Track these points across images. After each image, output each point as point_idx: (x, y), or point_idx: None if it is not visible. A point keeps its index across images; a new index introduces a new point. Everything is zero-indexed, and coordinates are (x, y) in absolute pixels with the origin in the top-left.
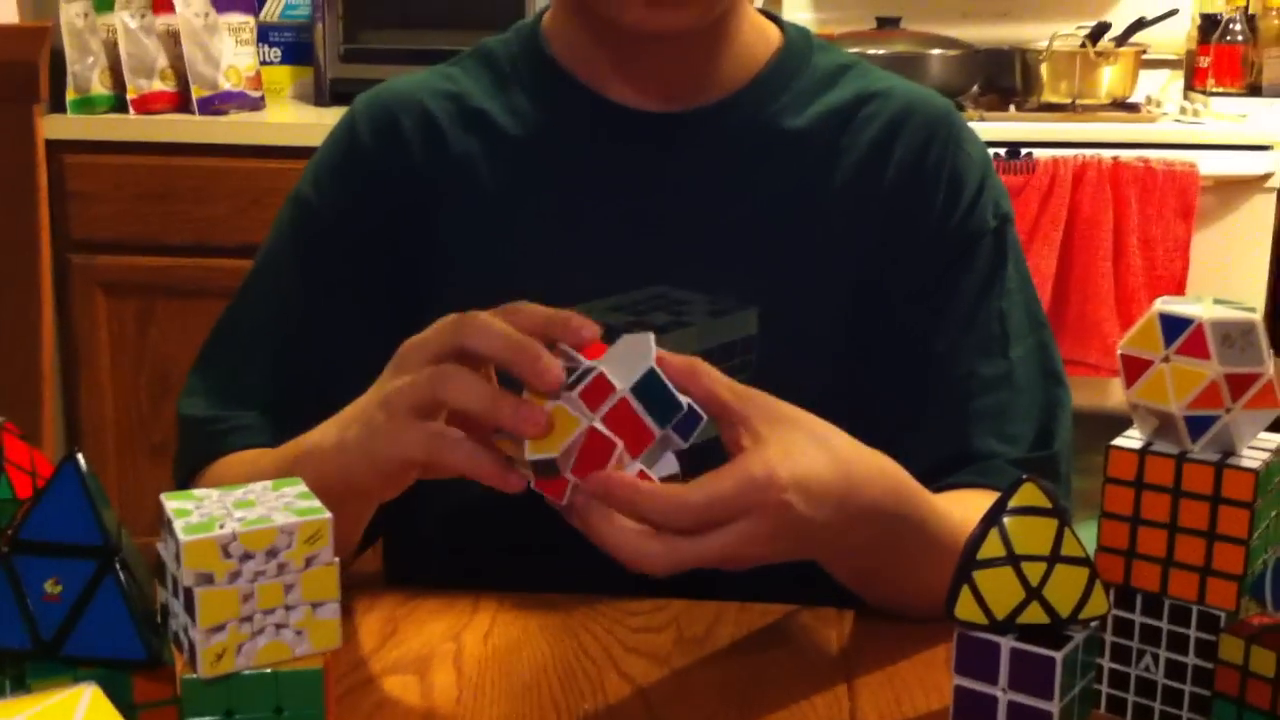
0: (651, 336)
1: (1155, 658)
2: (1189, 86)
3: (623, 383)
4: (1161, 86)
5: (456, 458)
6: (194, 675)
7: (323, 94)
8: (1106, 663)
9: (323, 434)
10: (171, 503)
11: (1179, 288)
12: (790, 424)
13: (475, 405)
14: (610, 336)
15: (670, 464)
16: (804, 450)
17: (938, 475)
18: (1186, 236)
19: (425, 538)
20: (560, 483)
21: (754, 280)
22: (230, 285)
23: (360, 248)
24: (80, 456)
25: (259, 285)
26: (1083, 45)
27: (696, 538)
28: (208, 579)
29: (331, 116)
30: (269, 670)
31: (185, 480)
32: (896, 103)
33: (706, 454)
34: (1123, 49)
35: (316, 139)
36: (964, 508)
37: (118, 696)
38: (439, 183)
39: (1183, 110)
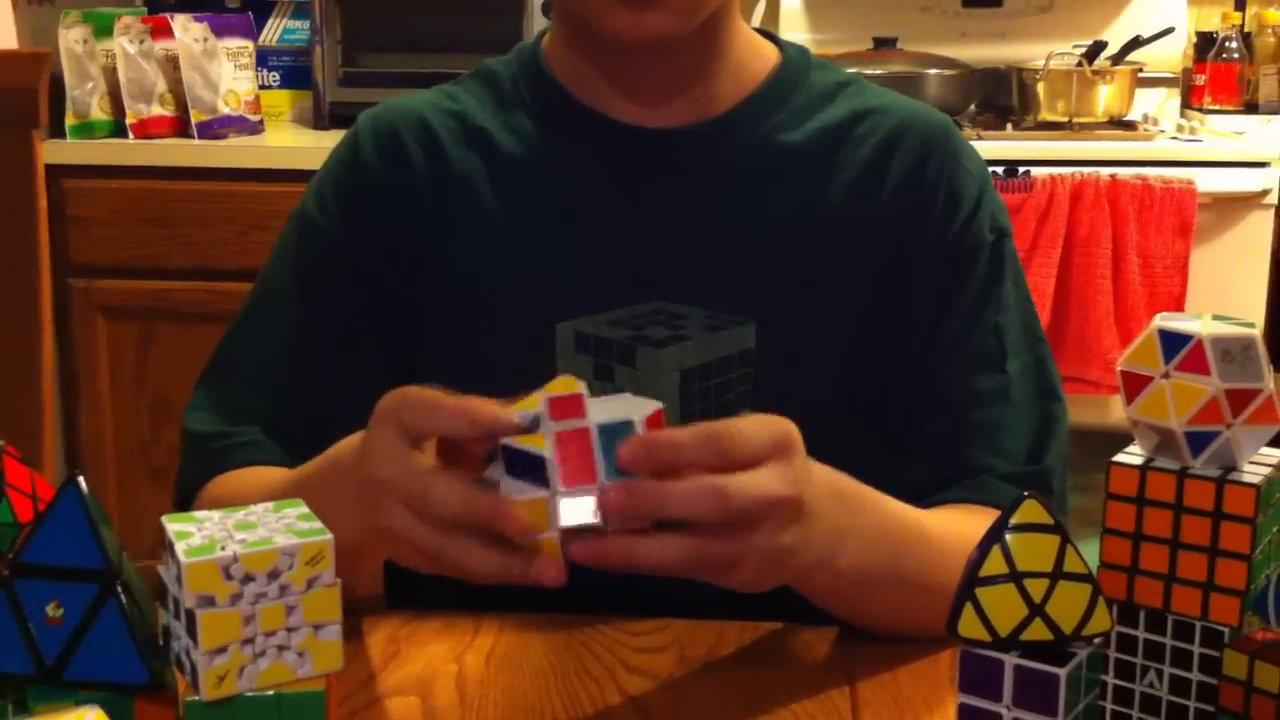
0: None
1: (1159, 674)
2: (1186, 104)
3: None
4: (1158, 104)
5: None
6: (196, 698)
7: (322, 117)
8: (1110, 679)
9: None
10: (173, 525)
11: (1178, 304)
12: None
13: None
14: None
15: None
16: None
17: (932, 488)
18: (1185, 253)
19: None
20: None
21: (752, 294)
22: (231, 309)
23: (362, 264)
24: (81, 480)
25: (263, 301)
26: (1079, 64)
27: (734, 476)
28: (209, 601)
29: (330, 139)
30: (271, 692)
31: (187, 495)
32: (894, 118)
33: None
34: (1119, 68)
35: (316, 162)
36: (937, 518)
37: (120, 719)
38: (440, 199)
39: (1180, 128)
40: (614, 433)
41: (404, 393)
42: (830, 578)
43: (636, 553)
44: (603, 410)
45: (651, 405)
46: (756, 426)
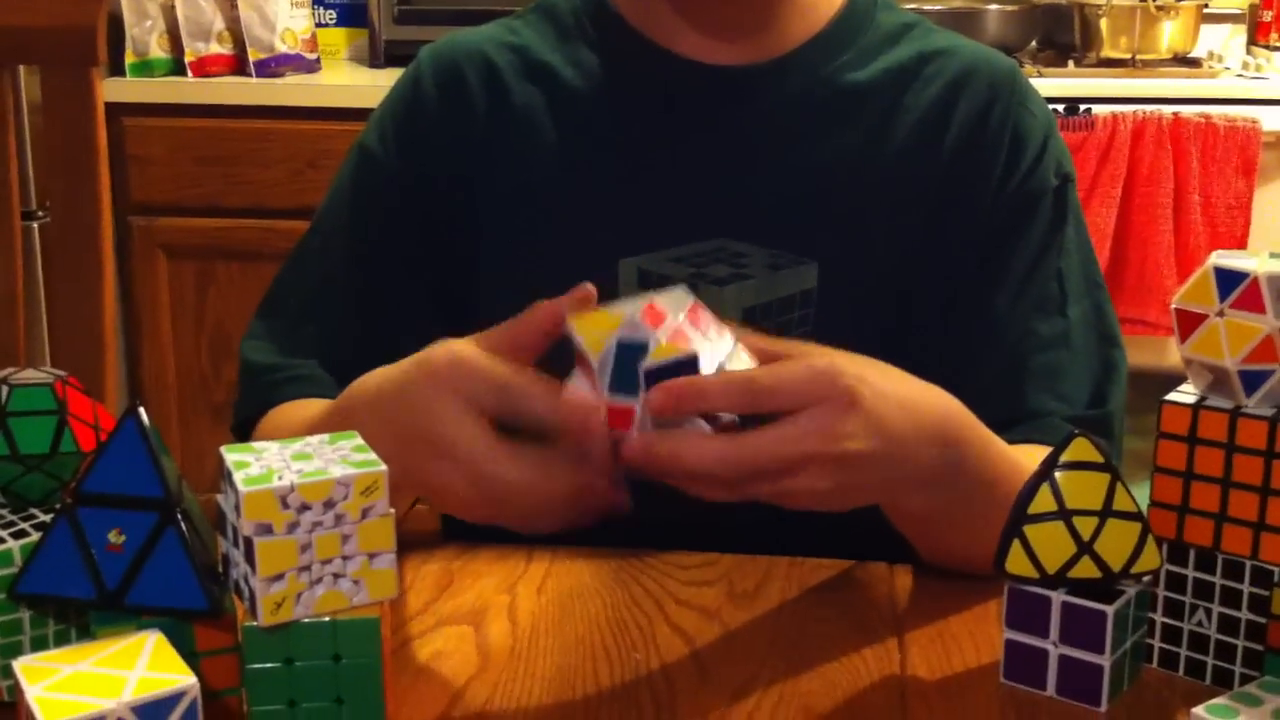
0: (683, 286)
1: (1208, 612)
2: (1251, 41)
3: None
4: (1223, 41)
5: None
6: (254, 623)
7: (377, 56)
8: (1159, 617)
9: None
10: (231, 455)
11: (1240, 245)
12: (833, 349)
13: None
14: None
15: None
16: (858, 359)
17: (992, 431)
18: (1248, 193)
19: None
20: (628, 410)
21: (814, 234)
22: (287, 247)
23: (417, 199)
24: (141, 410)
25: (321, 233)
26: (1143, 0)
27: (763, 429)
28: (267, 529)
29: (386, 78)
30: (327, 619)
31: (242, 423)
32: (960, 62)
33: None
34: (1184, 3)
35: (372, 101)
36: (1023, 454)
37: (180, 644)
38: (501, 134)
39: (1245, 65)
40: (633, 351)
41: (465, 364)
42: (921, 509)
43: (678, 453)
44: (633, 310)
45: (685, 305)
46: (797, 380)
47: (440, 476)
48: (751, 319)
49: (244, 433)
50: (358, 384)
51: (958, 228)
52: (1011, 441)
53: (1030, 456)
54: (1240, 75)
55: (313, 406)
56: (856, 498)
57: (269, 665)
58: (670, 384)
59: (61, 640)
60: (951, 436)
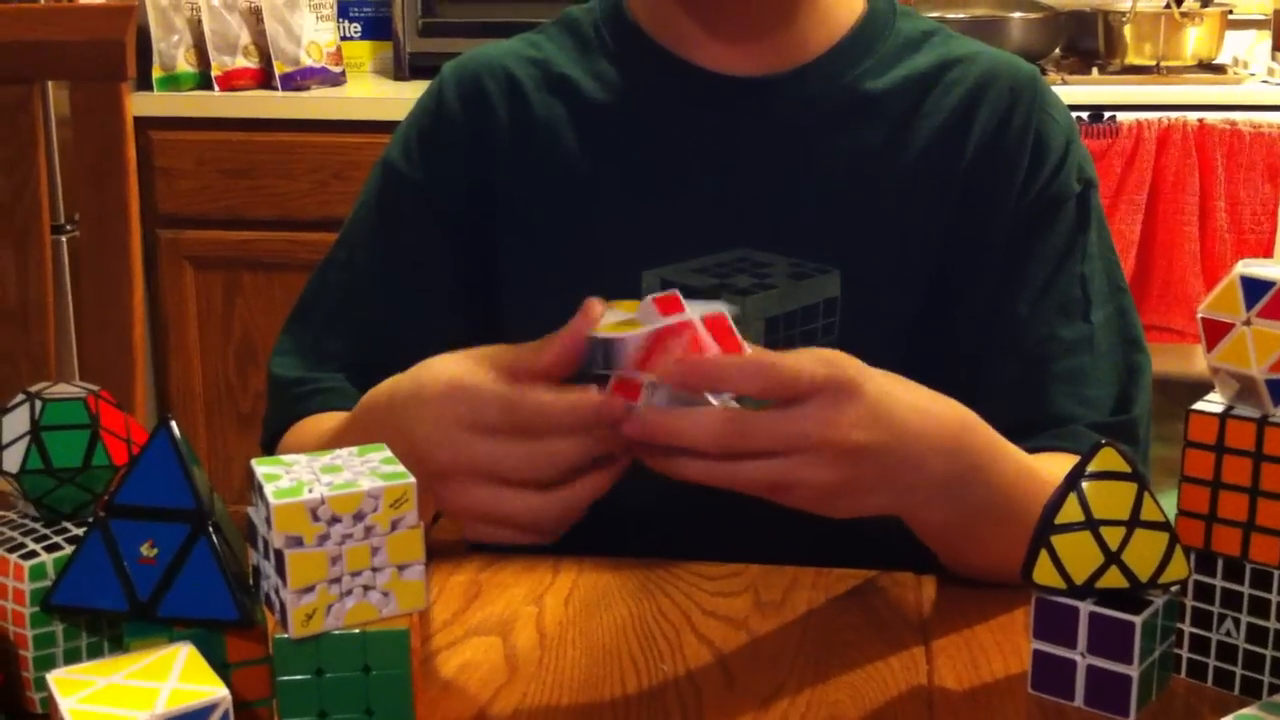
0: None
1: (1236, 622)
2: (1276, 47)
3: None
4: (1248, 47)
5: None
6: (285, 635)
7: (402, 68)
8: (1187, 627)
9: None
10: (261, 467)
11: (1267, 252)
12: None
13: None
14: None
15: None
16: (876, 369)
17: (1016, 438)
18: (1275, 199)
19: None
20: (634, 384)
21: (836, 243)
22: (313, 258)
23: (443, 212)
24: (173, 423)
25: (347, 247)
26: (1167, 6)
27: (770, 413)
28: (297, 541)
29: (411, 90)
30: (357, 630)
31: (271, 439)
32: (980, 68)
33: None
34: (1208, 9)
35: (397, 113)
36: (1043, 465)
37: (212, 655)
38: (524, 148)
39: (1270, 71)
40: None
41: (461, 387)
42: (938, 521)
43: (677, 425)
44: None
45: (715, 308)
46: (809, 367)
47: (450, 500)
48: (775, 328)
49: (272, 448)
50: (369, 396)
51: (979, 234)
52: (1036, 448)
53: (1053, 465)
54: (1266, 81)
55: (331, 420)
56: (862, 499)
57: (300, 676)
58: (688, 358)
59: (94, 652)
60: (965, 446)
